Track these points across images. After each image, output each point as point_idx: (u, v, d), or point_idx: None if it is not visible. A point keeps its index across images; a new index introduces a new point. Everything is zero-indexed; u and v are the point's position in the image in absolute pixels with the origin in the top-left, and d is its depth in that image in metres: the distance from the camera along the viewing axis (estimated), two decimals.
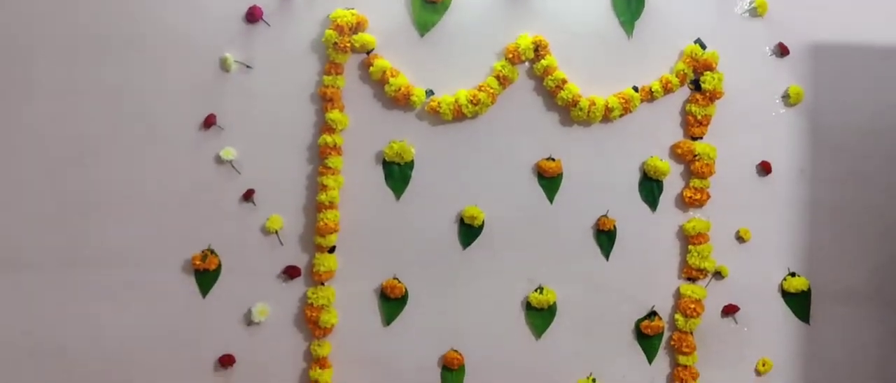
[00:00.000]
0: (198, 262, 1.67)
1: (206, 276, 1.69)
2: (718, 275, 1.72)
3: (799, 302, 1.74)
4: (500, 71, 1.66)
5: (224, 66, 1.66)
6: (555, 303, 1.71)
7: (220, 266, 1.69)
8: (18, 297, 1.68)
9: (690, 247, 1.71)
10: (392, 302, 1.70)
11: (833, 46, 1.72)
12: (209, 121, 1.67)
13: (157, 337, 1.69)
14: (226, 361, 1.69)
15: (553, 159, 1.70)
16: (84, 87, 1.67)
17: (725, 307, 1.73)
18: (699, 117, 1.70)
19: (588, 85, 1.68)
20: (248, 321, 1.70)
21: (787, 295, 1.74)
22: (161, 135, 1.68)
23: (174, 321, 1.70)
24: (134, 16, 1.66)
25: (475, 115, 1.68)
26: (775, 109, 1.73)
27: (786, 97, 1.72)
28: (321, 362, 1.68)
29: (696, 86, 1.69)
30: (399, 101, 1.67)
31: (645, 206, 1.72)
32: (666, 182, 1.72)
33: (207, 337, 1.70)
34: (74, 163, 1.68)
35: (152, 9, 1.66)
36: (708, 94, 1.69)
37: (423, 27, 1.67)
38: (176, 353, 1.70)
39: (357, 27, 1.66)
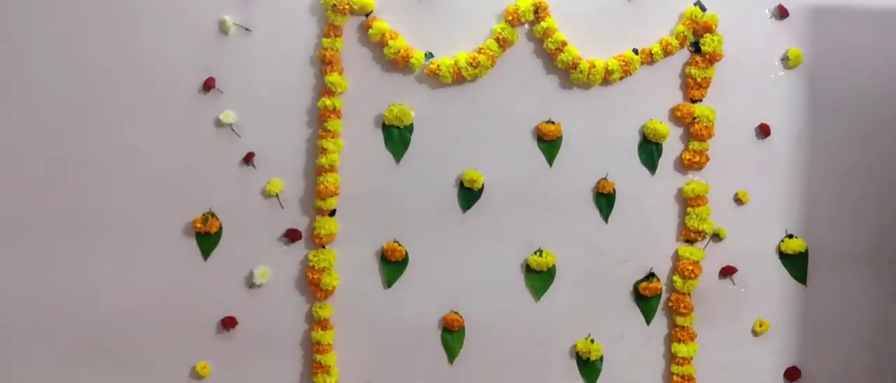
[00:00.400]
0: (199, 225, 1.68)
1: (207, 239, 1.70)
2: (717, 237, 1.74)
3: (796, 264, 1.75)
4: (500, 33, 1.66)
5: (223, 28, 1.66)
6: (554, 266, 1.73)
7: (220, 229, 1.70)
8: (21, 262, 1.70)
9: (689, 209, 1.72)
10: (392, 265, 1.72)
11: (832, 8, 1.72)
12: (208, 85, 1.67)
13: (160, 300, 1.72)
14: (228, 323, 1.71)
15: (553, 122, 1.70)
16: (83, 52, 1.67)
17: (723, 268, 1.75)
18: (699, 80, 1.70)
19: (588, 47, 1.69)
20: (250, 283, 1.72)
21: (784, 257, 1.75)
22: (160, 98, 1.69)
23: (176, 284, 1.72)
24: None
25: (475, 78, 1.69)
26: (774, 72, 1.73)
27: (785, 59, 1.72)
28: (323, 324, 1.71)
29: (696, 48, 1.70)
30: (398, 64, 1.68)
31: (644, 169, 1.73)
32: (665, 145, 1.73)
33: (209, 299, 1.72)
34: (74, 128, 1.69)
35: None
36: (707, 57, 1.69)
37: None
38: (179, 315, 1.72)
39: None
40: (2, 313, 1.71)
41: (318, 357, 1.71)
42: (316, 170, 1.68)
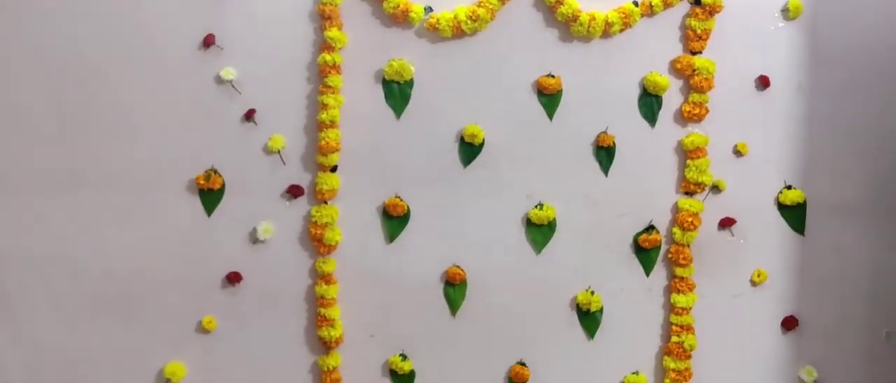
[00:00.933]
0: (202, 182, 1.71)
1: (210, 196, 1.73)
2: (716, 188, 1.76)
3: (794, 215, 1.78)
4: None
5: None
6: (554, 219, 1.76)
7: (223, 185, 1.72)
8: (26, 219, 1.73)
9: (688, 161, 1.74)
10: (394, 220, 1.75)
11: None
12: (208, 41, 1.68)
13: (165, 256, 1.74)
14: (233, 278, 1.74)
15: (552, 76, 1.72)
16: (83, 9, 1.68)
17: (722, 220, 1.77)
18: (699, 31, 1.71)
19: (588, 0, 1.70)
20: (254, 239, 1.74)
21: (782, 208, 1.78)
22: (161, 56, 1.70)
23: (181, 240, 1.74)
24: None
25: (474, 32, 1.70)
26: (774, 23, 1.74)
27: (785, 11, 1.73)
28: (326, 278, 1.74)
29: (696, 0, 1.70)
30: (397, 19, 1.69)
31: (644, 122, 1.75)
32: (665, 97, 1.74)
33: (214, 255, 1.74)
34: (76, 86, 1.70)
35: None
36: (707, 8, 1.70)
37: None
38: (184, 271, 1.75)
39: None
40: (9, 269, 1.73)
41: (323, 311, 1.74)
42: (317, 125, 1.70)
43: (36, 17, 1.69)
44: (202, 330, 1.76)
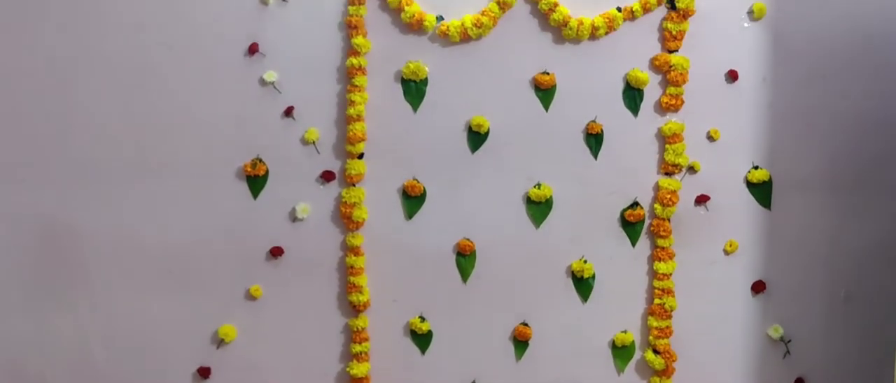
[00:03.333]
0: (249, 169, 1.84)
1: (256, 181, 1.86)
2: (691, 169, 1.87)
3: (761, 191, 1.88)
4: None
5: (263, 0, 1.83)
6: (551, 197, 1.87)
7: (267, 172, 1.85)
8: (101, 203, 1.86)
9: (667, 146, 1.85)
10: (413, 200, 1.88)
11: None
12: (253, 49, 1.82)
13: (218, 234, 1.87)
14: (276, 252, 1.88)
15: (547, 73, 1.85)
16: (146, 21, 1.82)
17: (698, 197, 1.88)
18: (674, 33, 1.83)
19: (577, 7, 1.83)
20: (293, 218, 1.87)
21: (751, 186, 1.88)
22: (212, 62, 1.83)
23: (231, 219, 1.87)
24: None
25: (479, 37, 1.83)
26: (741, 24, 1.85)
27: (750, 12, 1.85)
28: (355, 250, 1.87)
29: (672, 5, 1.83)
30: (413, 27, 1.83)
31: (628, 112, 1.86)
32: (646, 90, 1.85)
33: (259, 232, 1.87)
34: (141, 87, 1.83)
35: None
36: (682, 12, 1.83)
37: None
38: (234, 246, 1.87)
39: None
40: (88, 246, 1.86)
41: (352, 279, 1.87)
42: (346, 119, 1.83)
43: (105, 28, 1.82)
44: (250, 297, 1.89)
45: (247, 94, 1.85)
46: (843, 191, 1.90)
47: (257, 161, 1.87)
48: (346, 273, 1.90)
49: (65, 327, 1.91)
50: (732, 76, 1.87)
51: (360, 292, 1.89)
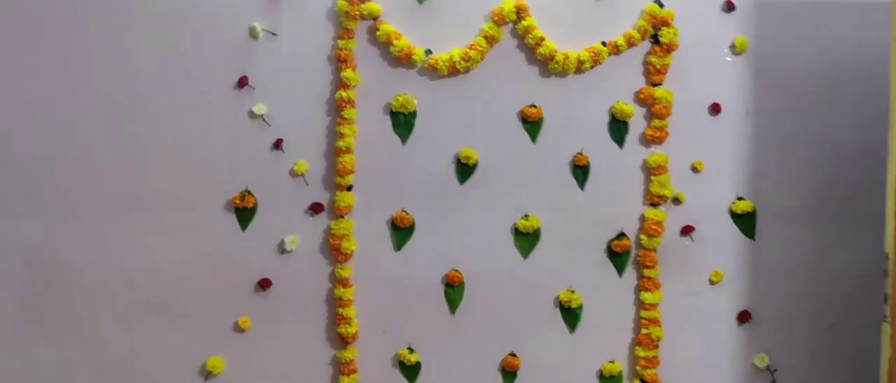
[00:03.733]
0: (237, 201, 1.86)
1: (244, 213, 1.87)
2: (676, 200, 1.90)
3: (746, 222, 1.92)
4: (488, 31, 1.86)
5: (252, 33, 1.85)
6: (539, 228, 1.90)
7: (256, 204, 1.87)
8: (88, 235, 1.87)
9: (652, 177, 1.89)
10: (401, 231, 1.89)
11: (774, 2, 1.90)
12: (242, 82, 1.85)
13: (206, 266, 1.87)
14: (264, 284, 1.88)
15: (535, 106, 1.88)
16: (136, 55, 1.84)
17: (683, 228, 1.91)
18: (658, 66, 1.88)
19: (563, 41, 1.87)
20: (282, 250, 1.88)
21: (735, 216, 1.92)
22: (202, 95, 1.85)
23: (219, 251, 1.88)
24: None
25: (467, 70, 1.87)
26: (723, 58, 1.90)
27: (733, 47, 1.89)
28: (343, 282, 1.88)
29: (656, 39, 1.88)
30: (402, 60, 1.86)
31: (613, 144, 1.90)
32: (631, 123, 1.90)
33: (248, 264, 1.88)
34: (131, 120, 1.85)
35: None
36: (665, 47, 1.87)
37: None
38: (222, 278, 1.88)
39: None
40: (74, 278, 1.87)
41: (341, 310, 1.87)
42: (335, 151, 1.85)
43: (96, 62, 1.84)
44: (238, 329, 1.89)
45: (236, 126, 1.88)
46: (827, 221, 1.94)
47: (246, 193, 1.89)
48: (335, 304, 1.91)
49: (51, 359, 1.90)
50: (715, 109, 1.92)
51: (349, 324, 1.89)
